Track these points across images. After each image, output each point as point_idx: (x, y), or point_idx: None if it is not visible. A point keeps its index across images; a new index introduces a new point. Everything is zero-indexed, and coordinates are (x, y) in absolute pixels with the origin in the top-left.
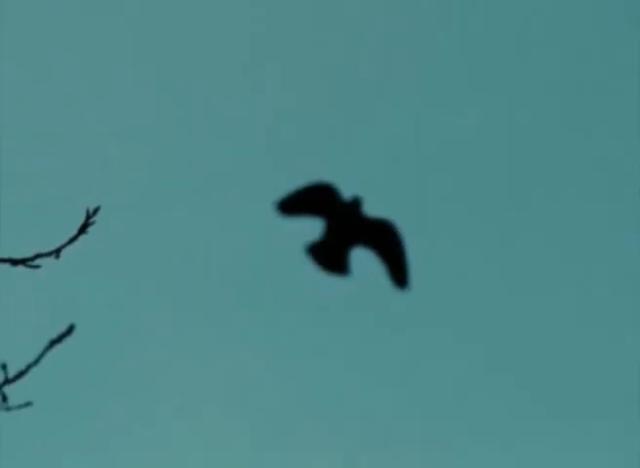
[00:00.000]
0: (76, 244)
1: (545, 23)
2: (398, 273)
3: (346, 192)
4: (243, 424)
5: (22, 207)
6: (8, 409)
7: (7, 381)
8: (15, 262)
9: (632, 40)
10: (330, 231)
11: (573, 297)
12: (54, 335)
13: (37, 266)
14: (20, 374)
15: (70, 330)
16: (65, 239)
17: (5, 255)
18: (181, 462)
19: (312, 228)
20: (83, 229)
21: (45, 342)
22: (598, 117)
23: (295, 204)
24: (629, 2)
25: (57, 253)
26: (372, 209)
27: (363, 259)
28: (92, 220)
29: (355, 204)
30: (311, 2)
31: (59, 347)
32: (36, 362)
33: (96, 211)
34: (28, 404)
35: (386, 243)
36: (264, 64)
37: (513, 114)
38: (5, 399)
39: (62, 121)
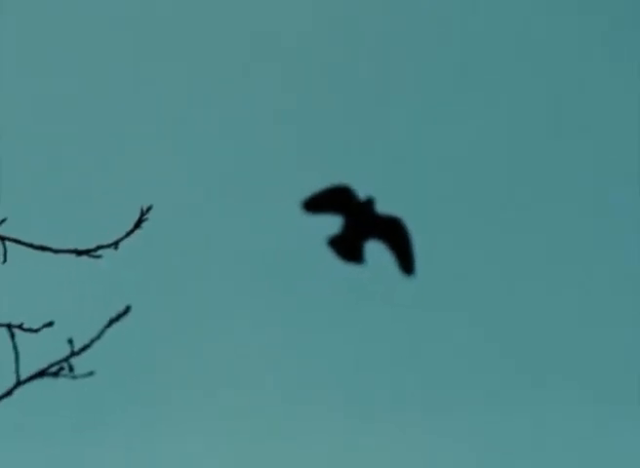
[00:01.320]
0: (132, 237)
1: (543, 30)
2: (405, 262)
3: (361, 193)
4: (273, 392)
5: (86, 206)
6: (74, 377)
7: (73, 354)
8: (79, 253)
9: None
10: (347, 226)
11: (568, 286)
12: (113, 315)
13: (99, 256)
14: (85, 348)
15: (127, 310)
16: (123, 233)
17: (71, 247)
18: (223, 427)
19: (333, 224)
20: (138, 224)
21: (105, 321)
22: (596, 118)
23: (318, 203)
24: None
25: (115, 244)
26: (383, 207)
27: (375, 250)
28: (145, 217)
29: (369, 203)
30: (313, 6)
31: (117, 325)
32: (98, 337)
33: (148, 209)
34: (91, 373)
35: (395, 236)
36: (293, 78)
37: (509, 120)
38: (72, 369)
39: (123, 135)
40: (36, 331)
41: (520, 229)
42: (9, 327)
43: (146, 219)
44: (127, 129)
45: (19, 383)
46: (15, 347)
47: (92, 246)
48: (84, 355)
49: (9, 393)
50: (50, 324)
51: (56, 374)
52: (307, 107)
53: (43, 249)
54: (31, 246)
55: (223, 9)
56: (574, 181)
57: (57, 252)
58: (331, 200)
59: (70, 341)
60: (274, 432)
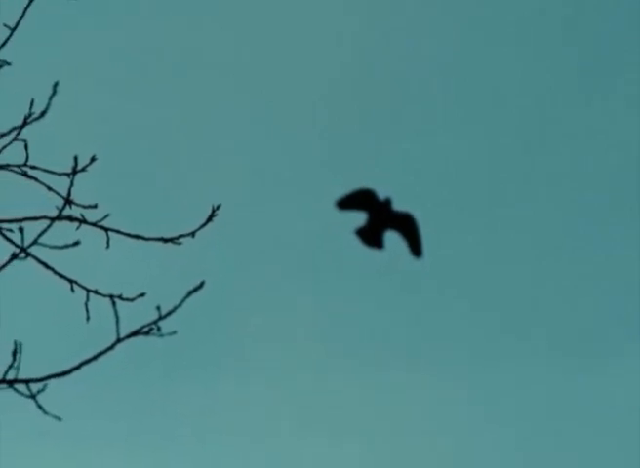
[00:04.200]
0: (205, 228)
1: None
2: (415, 247)
3: (382, 194)
4: (314, 347)
5: (171, 204)
6: (161, 336)
7: (160, 318)
8: (165, 240)
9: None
10: (370, 220)
11: (547, 266)
12: (190, 288)
13: (180, 243)
14: (169, 313)
15: (201, 284)
16: (198, 225)
17: (159, 235)
18: (279, 372)
19: (359, 218)
20: (210, 219)
21: (185, 292)
22: (594, 121)
23: (348, 202)
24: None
25: (192, 234)
26: (398, 205)
27: (392, 239)
28: (216, 213)
29: (387, 202)
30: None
31: (194, 296)
32: (179, 305)
33: (218, 207)
34: (174, 332)
35: (407, 227)
36: (327, 105)
37: (504, 129)
38: (159, 329)
39: (200, 150)
40: (132, 300)
41: (503, 221)
42: (111, 297)
43: (217, 215)
44: (203, 145)
45: (118, 341)
46: (115, 313)
47: (175, 235)
48: (169, 319)
49: (111, 348)
50: (142, 295)
51: (147, 334)
52: (341, 131)
53: (137, 237)
54: (128, 235)
55: (271, 30)
56: (555, 183)
57: (148, 239)
58: (358, 199)
59: (158, 308)
60: (316, 377)
